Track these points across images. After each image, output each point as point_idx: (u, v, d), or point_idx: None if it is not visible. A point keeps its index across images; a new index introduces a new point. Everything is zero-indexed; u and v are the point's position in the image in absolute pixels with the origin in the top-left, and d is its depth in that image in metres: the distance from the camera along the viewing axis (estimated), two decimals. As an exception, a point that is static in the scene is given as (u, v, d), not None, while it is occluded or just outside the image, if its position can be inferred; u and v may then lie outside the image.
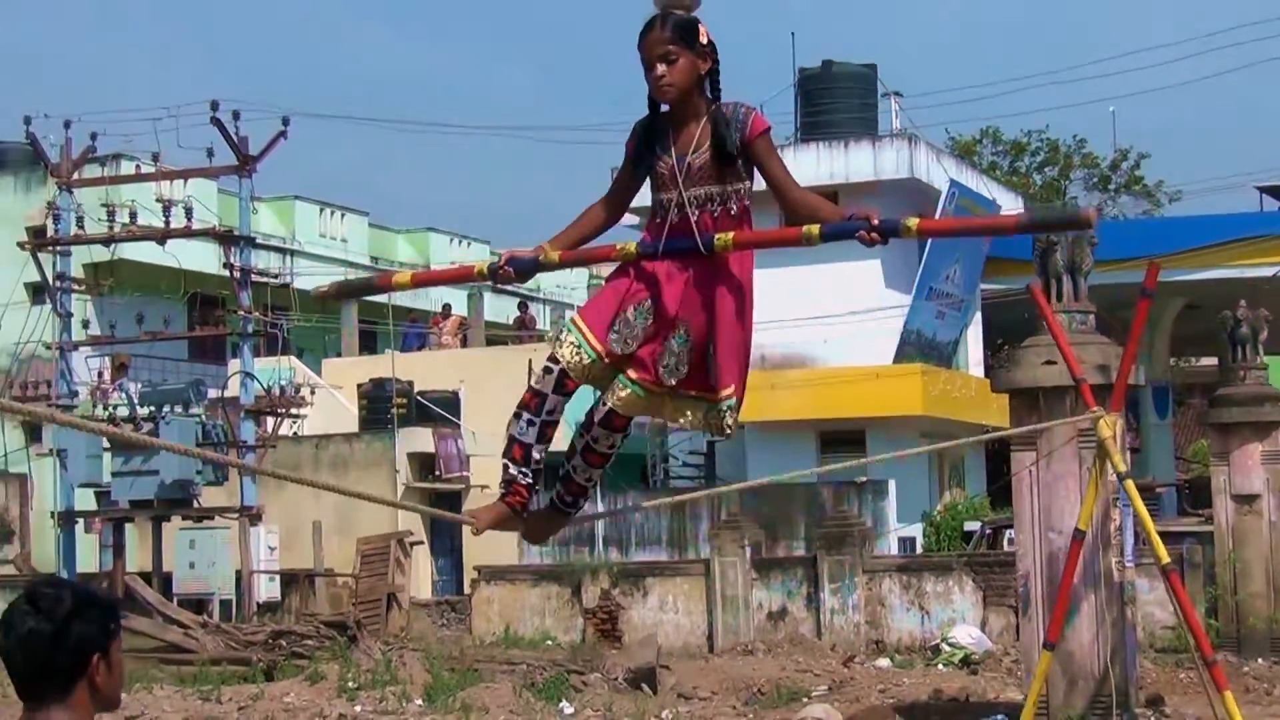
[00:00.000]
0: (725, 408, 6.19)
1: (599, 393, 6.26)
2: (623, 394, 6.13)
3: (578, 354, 6.09)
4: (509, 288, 57.24)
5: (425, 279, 6.47)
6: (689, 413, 6.23)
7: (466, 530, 32.83)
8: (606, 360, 6.10)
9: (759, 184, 6.12)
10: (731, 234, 5.98)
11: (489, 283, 6.35)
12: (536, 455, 6.23)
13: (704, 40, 6.08)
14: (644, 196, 6.21)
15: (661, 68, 6.03)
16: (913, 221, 5.66)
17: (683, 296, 6.07)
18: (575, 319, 6.18)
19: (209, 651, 26.60)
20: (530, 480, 6.26)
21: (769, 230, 6.16)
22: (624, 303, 6.12)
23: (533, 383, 6.19)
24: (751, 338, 6.25)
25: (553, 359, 6.14)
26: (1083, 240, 17.14)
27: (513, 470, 6.26)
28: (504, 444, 6.31)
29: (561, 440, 6.33)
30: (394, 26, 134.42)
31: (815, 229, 5.76)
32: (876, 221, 5.62)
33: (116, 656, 4.17)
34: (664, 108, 6.19)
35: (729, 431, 6.30)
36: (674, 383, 6.12)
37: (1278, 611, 25.18)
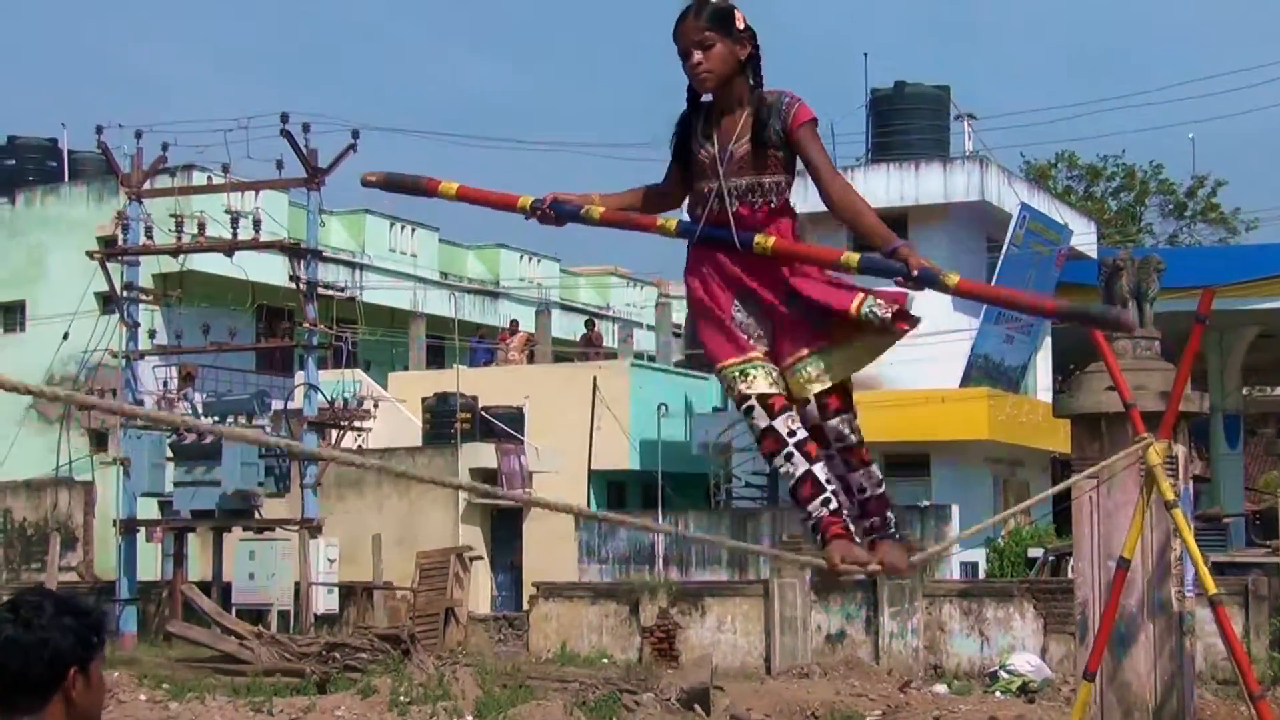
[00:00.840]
0: (867, 312, 5.75)
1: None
2: (805, 375, 5.90)
3: (748, 376, 5.89)
4: (577, 305, 57.31)
5: (471, 194, 6.26)
6: (838, 361, 5.91)
7: (526, 546, 32.95)
8: (763, 360, 5.90)
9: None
10: (772, 240, 5.79)
11: (527, 216, 6.14)
12: (822, 477, 5.88)
13: (741, 26, 5.93)
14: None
15: (698, 55, 5.88)
16: (953, 279, 5.49)
17: (753, 273, 5.90)
18: (720, 364, 5.95)
19: (263, 662, 26.58)
20: (834, 506, 5.88)
21: (809, 246, 5.93)
22: (728, 311, 5.95)
23: (756, 433, 5.91)
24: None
25: (741, 399, 5.90)
26: (1149, 266, 16.91)
27: (813, 509, 5.89)
28: (792, 503, 5.99)
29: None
30: (472, 45, 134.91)
31: (854, 259, 5.59)
32: (915, 270, 5.44)
33: (97, 673, 4.03)
34: (705, 97, 6.03)
35: (894, 316, 5.80)
36: (805, 351, 5.89)
37: (1343, 645, 24.82)
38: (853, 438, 6.00)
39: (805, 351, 5.90)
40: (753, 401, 5.87)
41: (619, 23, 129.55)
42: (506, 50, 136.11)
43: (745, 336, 5.93)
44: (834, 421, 5.96)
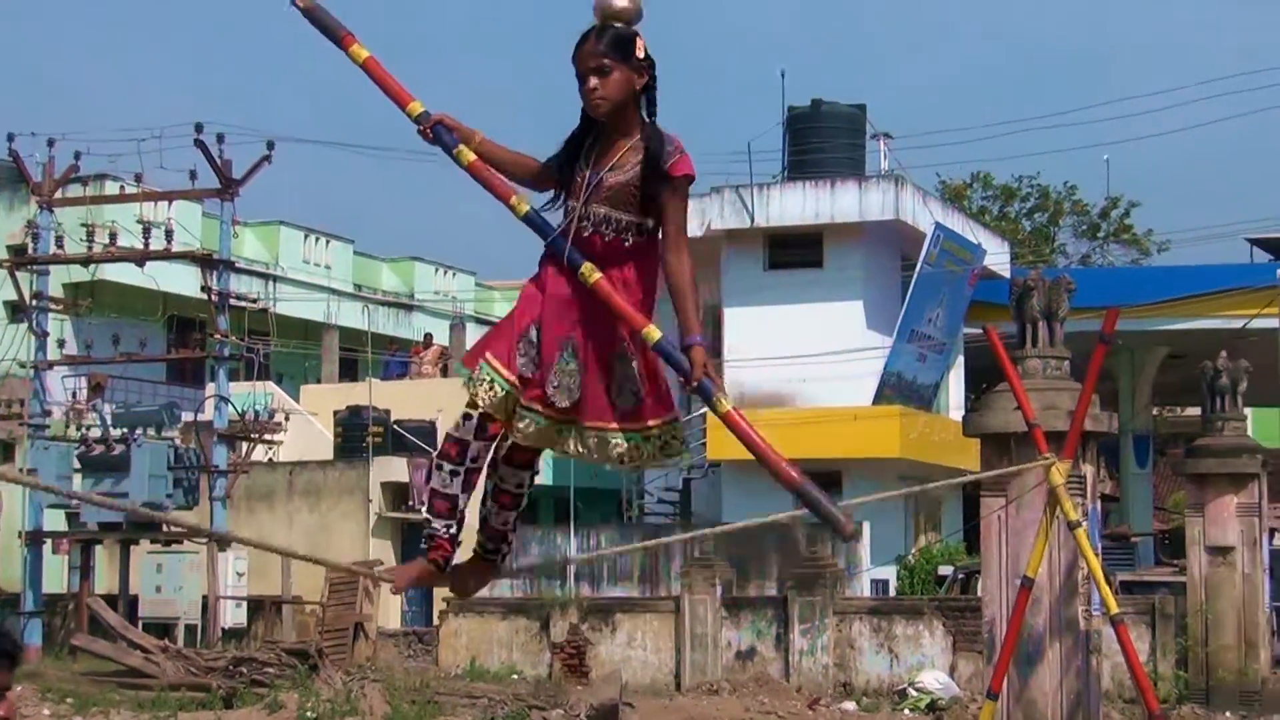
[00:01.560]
0: (659, 436, 5.93)
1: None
2: (520, 424, 5.90)
3: (491, 390, 5.87)
4: (491, 318, 57.14)
5: (374, 70, 6.20)
6: (592, 447, 5.92)
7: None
8: (520, 387, 5.87)
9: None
10: (596, 277, 5.76)
11: (412, 120, 6.05)
12: (462, 505, 6.05)
13: (640, 55, 5.88)
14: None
15: (594, 80, 5.84)
16: (724, 406, 5.62)
17: (576, 314, 5.85)
18: (485, 356, 5.93)
19: (169, 677, 26.34)
20: (454, 532, 6.08)
21: (620, 300, 5.79)
22: (527, 325, 5.92)
23: (452, 431, 5.99)
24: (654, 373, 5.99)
25: (470, 404, 5.91)
26: (1060, 286, 16.99)
27: (436, 525, 6.07)
28: (426, 499, 6.11)
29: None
30: (385, 55, 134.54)
31: (655, 335, 5.65)
32: (695, 380, 5.59)
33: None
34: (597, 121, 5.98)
35: (656, 460, 6.04)
36: (566, 405, 5.86)
37: (1248, 664, 25.00)
38: (517, 491, 6.19)
39: (539, 402, 5.88)
40: (475, 415, 5.93)
41: (540, 35, 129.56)
42: (421, 59, 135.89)
43: (520, 354, 5.88)
44: (513, 470, 6.14)
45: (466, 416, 5.93)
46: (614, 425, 5.89)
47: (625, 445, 5.91)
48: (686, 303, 5.80)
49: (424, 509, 6.12)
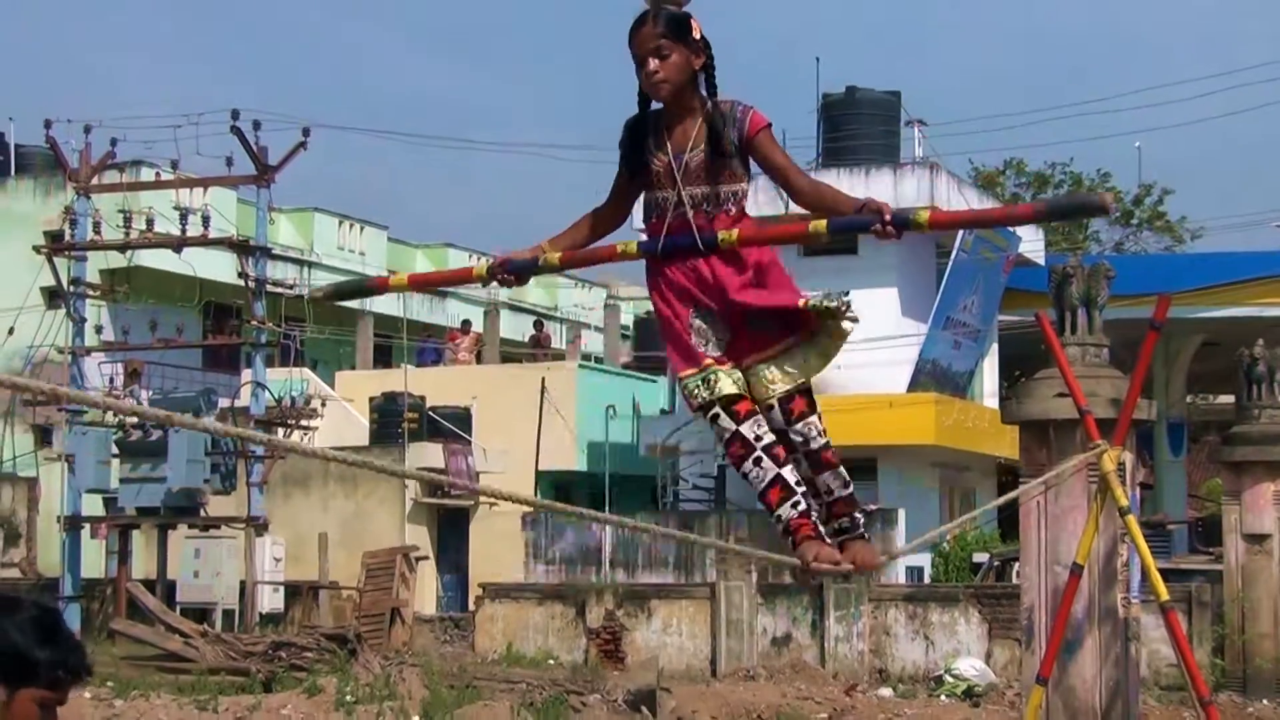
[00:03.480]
0: (815, 305, 5.88)
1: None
2: (764, 377, 5.94)
3: (708, 383, 5.89)
4: (525, 305, 57.27)
5: (422, 280, 6.27)
6: (795, 365, 5.97)
7: (473, 546, 32.82)
8: (726, 367, 5.91)
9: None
10: (735, 231, 5.82)
11: (484, 284, 6.16)
12: (790, 480, 5.92)
13: (697, 35, 5.91)
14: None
15: (654, 63, 5.85)
16: (924, 214, 5.51)
17: (719, 287, 5.89)
18: (681, 374, 5.97)
19: (208, 661, 26.47)
20: (803, 506, 5.94)
21: (774, 226, 5.95)
22: (686, 323, 5.95)
23: (723, 441, 5.95)
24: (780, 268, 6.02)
25: (704, 409, 5.92)
26: (1099, 273, 16.99)
27: (782, 512, 5.93)
28: (764, 507, 6.01)
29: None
30: (421, 44, 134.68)
31: (823, 224, 5.58)
32: (889, 216, 5.45)
33: (19, 708, 3.44)
34: (655, 105, 6.02)
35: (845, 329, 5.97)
36: (767, 349, 5.94)
37: (1284, 652, 24.98)
38: (819, 440, 6.05)
39: (763, 355, 5.94)
40: (717, 409, 5.89)
41: (570, 25, 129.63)
42: (458, 49, 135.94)
43: (702, 346, 5.92)
44: (799, 425, 6.01)
45: (715, 418, 5.90)
46: (772, 351, 5.97)
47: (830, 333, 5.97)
48: (839, 197, 5.79)
49: (771, 518, 6.00)
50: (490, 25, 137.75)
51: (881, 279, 36.95)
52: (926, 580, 33.67)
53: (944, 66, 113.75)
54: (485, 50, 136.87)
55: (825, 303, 5.85)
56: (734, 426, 5.88)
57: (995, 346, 40.82)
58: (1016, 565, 26.13)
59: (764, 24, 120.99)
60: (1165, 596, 13.15)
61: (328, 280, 45.28)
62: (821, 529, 5.99)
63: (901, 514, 32.65)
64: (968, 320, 38.29)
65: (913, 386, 36.35)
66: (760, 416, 5.92)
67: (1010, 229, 39.80)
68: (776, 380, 5.93)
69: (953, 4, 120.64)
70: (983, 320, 39.00)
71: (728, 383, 5.89)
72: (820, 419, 6.09)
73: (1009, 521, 31.21)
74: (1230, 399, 38.17)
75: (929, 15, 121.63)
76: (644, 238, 6.10)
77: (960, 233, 36.45)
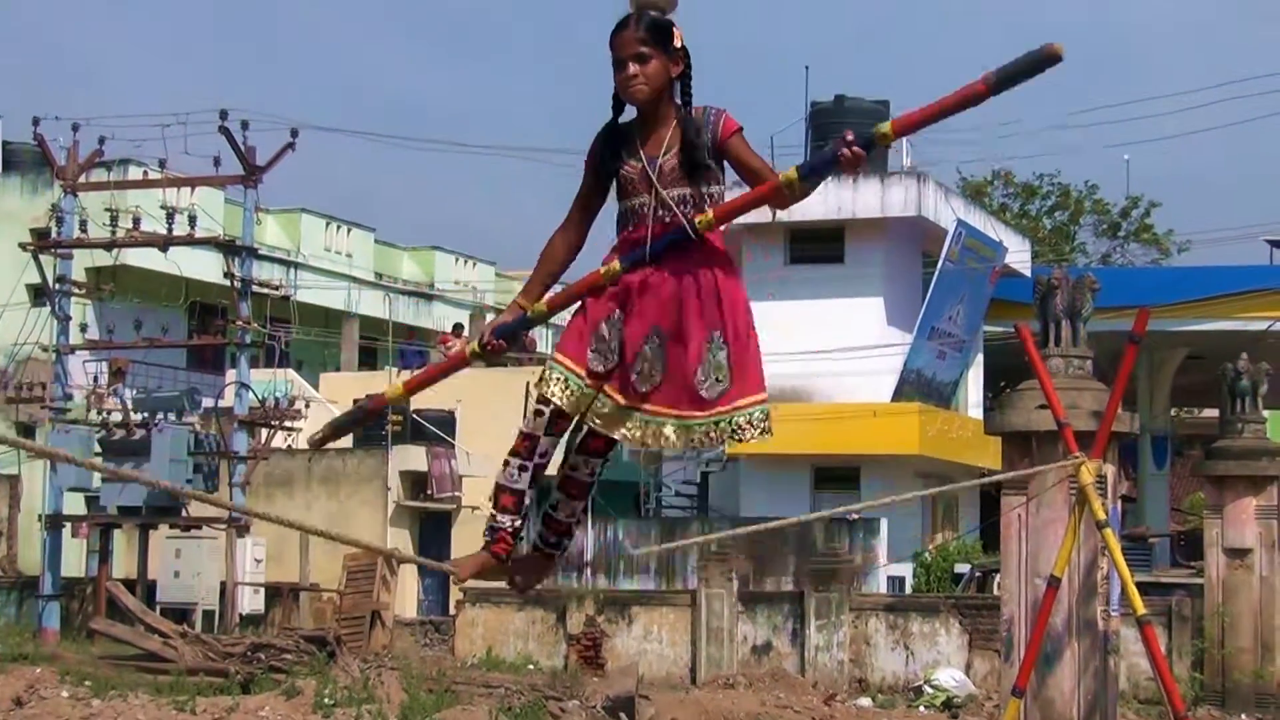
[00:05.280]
0: (742, 420, 5.93)
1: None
2: (603, 411, 5.92)
3: (566, 387, 5.89)
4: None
5: (417, 382, 6.29)
6: (670, 433, 5.93)
7: (454, 550, 32.74)
8: (590, 383, 5.90)
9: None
10: (709, 213, 5.81)
11: (481, 361, 6.17)
12: (527, 501, 6.08)
13: (678, 44, 5.92)
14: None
15: (633, 66, 5.86)
16: (886, 126, 5.47)
17: (660, 303, 5.87)
18: (555, 356, 5.97)
19: (187, 661, 26.39)
20: (518, 525, 6.09)
21: (745, 193, 5.91)
22: (597, 321, 5.93)
23: (523, 427, 6.00)
24: (757, 344, 6.04)
25: (542, 400, 5.94)
26: (1084, 285, 16.99)
27: (501, 519, 6.08)
28: (491, 493, 6.13)
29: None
30: (409, 45, 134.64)
31: (792, 172, 5.57)
32: (850, 137, 5.43)
33: None
34: (629, 112, 6.02)
35: (737, 440, 5.99)
36: (646, 390, 5.87)
37: (1263, 667, 25.00)
38: (588, 479, 6.23)
39: (619, 391, 5.91)
40: (546, 410, 5.93)
41: (561, 28, 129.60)
42: (446, 51, 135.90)
43: (592, 351, 5.91)
44: (587, 458, 6.18)
45: (538, 413, 5.95)
46: (698, 413, 5.92)
47: (701, 430, 5.94)
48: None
49: (489, 503, 6.14)
50: (479, 27, 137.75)
51: (867, 288, 36.98)
52: (908, 590, 33.69)
53: (932, 76, 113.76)
54: (474, 52, 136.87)
55: (745, 428, 5.95)
56: (539, 433, 5.97)
57: (980, 357, 40.84)
58: (998, 576, 26.20)
59: (753, 32, 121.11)
60: (1142, 611, 13.16)
61: (314, 281, 45.40)
62: (511, 554, 6.16)
63: (884, 524, 32.66)
64: (953, 330, 38.30)
65: (897, 396, 36.35)
66: (559, 439, 6.04)
67: (997, 239, 39.90)
68: (657, 438, 5.94)
69: (941, 14, 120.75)
70: (968, 331, 39.02)
71: (572, 397, 5.91)
72: (605, 466, 6.24)
73: (991, 532, 31.23)
74: (1214, 413, 38.25)
75: (918, 25, 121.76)
76: (607, 255, 6.03)
77: (946, 242, 36.43)
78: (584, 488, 6.25)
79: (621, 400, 5.91)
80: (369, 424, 6.27)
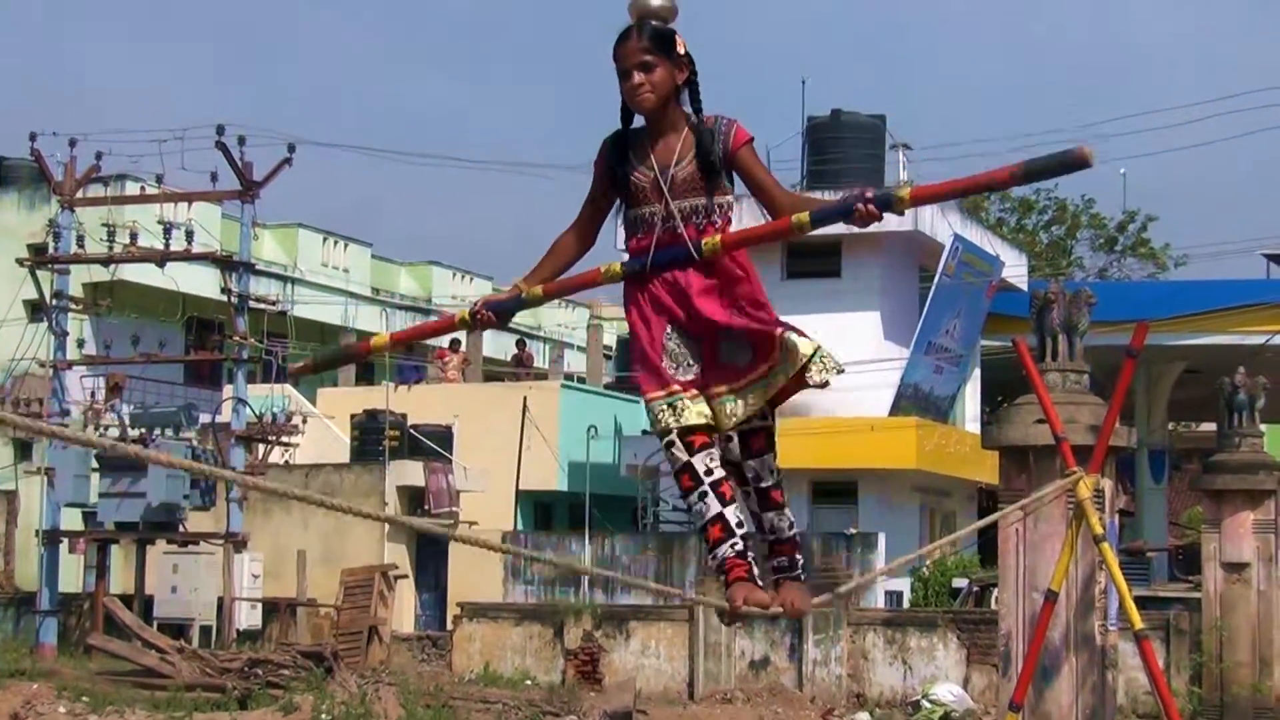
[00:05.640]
0: (790, 341, 5.86)
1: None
2: (727, 410, 5.92)
3: (675, 410, 5.88)
4: (509, 325, 57.24)
5: (405, 336, 6.25)
6: (756, 395, 5.93)
7: (452, 565, 32.60)
8: (692, 394, 5.89)
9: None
10: (718, 236, 5.83)
11: (467, 330, 6.15)
12: (731, 519, 5.93)
13: (681, 51, 5.95)
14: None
15: (638, 75, 5.89)
16: (905, 191, 5.49)
17: (696, 303, 5.89)
18: (647, 397, 5.94)
19: (184, 677, 26.39)
20: (740, 547, 5.95)
21: (757, 226, 5.95)
22: (658, 343, 5.94)
23: (674, 469, 5.93)
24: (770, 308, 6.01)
25: (664, 433, 5.91)
26: (1080, 300, 16.99)
27: (722, 550, 5.95)
28: (702, 540, 6.04)
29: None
30: (406, 60, 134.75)
31: (805, 216, 5.57)
32: (870, 194, 5.45)
33: None
34: (637, 122, 6.04)
35: (826, 376, 5.87)
36: (736, 379, 5.92)
37: (1262, 681, 24.96)
38: (770, 479, 6.09)
39: (733, 386, 5.93)
40: (674, 437, 5.89)
41: (559, 42, 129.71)
42: (443, 66, 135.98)
43: (671, 369, 5.92)
44: (754, 461, 6.07)
45: (670, 445, 5.89)
46: (762, 367, 5.93)
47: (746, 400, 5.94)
48: (815, 201, 5.85)
49: (707, 554, 6.02)
50: (477, 42, 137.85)
51: (864, 302, 36.97)
52: (905, 605, 33.65)
53: (930, 91, 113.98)
54: (471, 67, 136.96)
55: (816, 358, 5.84)
56: (686, 458, 5.89)
57: (977, 371, 40.84)
58: (995, 591, 26.18)
59: (750, 46, 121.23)
60: (1139, 625, 13.16)
61: (310, 295, 45.40)
62: (755, 571, 6.00)
63: (882, 538, 32.65)
64: (950, 345, 38.29)
65: (894, 410, 36.33)
66: (714, 450, 5.94)
67: (993, 254, 39.92)
68: (738, 413, 5.93)
69: (939, 28, 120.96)
70: (965, 345, 39.01)
71: (693, 413, 5.89)
72: (776, 458, 6.11)
73: (989, 547, 31.21)
74: (1212, 427, 38.24)
75: (915, 39, 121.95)
76: (625, 257, 6.08)
77: (944, 255, 36.44)
78: (778, 490, 6.14)
79: (726, 391, 5.91)
80: (349, 364, 6.44)
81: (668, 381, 5.91)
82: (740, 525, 5.94)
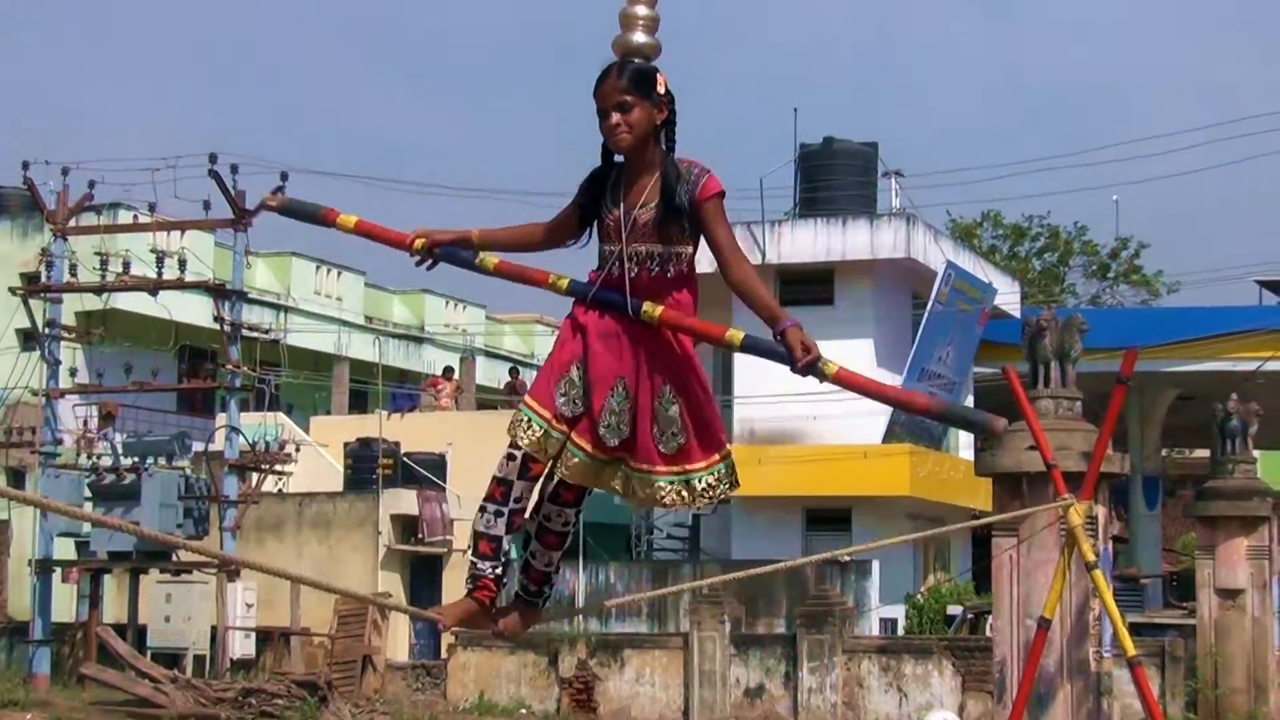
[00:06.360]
0: (700, 479, 5.97)
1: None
2: (571, 461, 5.95)
3: (530, 429, 5.93)
4: (501, 352, 57.26)
5: (366, 228, 6.30)
6: (636, 488, 6.00)
7: (445, 593, 32.67)
8: (558, 427, 5.93)
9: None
10: (659, 310, 5.84)
11: (416, 257, 6.16)
12: (506, 546, 6.08)
13: (661, 90, 5.94)
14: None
15: (616, 115, 5.88)
16: (831, 368, 5.63)
17: (621, 353, 5.90)
18: (526, 398, 6.02)
19: (178, 707, 26.34)
20: (500, 572, 6.11)
21: (694, 320, 5.98)
22: (566, 364, 5.96)
23: (496, 473, 6.02)
24: (711, 400, 6.07)
25: (513, 445, 5.97)
26: (1072, 327, 17.02)
27: (481, 566, 6.10)
28: (470, 541, 6.16)
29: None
30: (398, 88, 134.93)
31: (739, 338, 5.72)
32: (800, 362, 5.60)
33: None
34: (617, 159, 6.03)
35: (704, 503, 6.05)
36: (615, 444, 5.92)
37: (1257, 708, 24.95)
38: (563, 530, 6.23)
39: (590, 442, 5.96)
40: (517, 454, 5.97)
41: (548, 72, 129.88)
42: (435, 94, 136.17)
43: (559, 394, 5.94)
44: (559, 508, 6.17)
45: (510, 457, 5.98)
46: (660, 468, 5.96)
47: (668, 488, 5.98)
48: (762, 297, 5.88)
49: (468, 550, 6.17)
50: (469, 71, 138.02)
51: (857, 330, 36.96)
52: (900, 632, 33.62)
53: (922, 118, 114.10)
54: (463, 96, 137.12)
55: (713, 482, 5.99)
56: (512, 477, 6.00)
57: (971, 398, 40.83)
58: (990, 618, 26.15)
59: (742, 74, 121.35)
60: (1132, 651, 13.15)
61: (304, 324, 45.38)
62: (497, 603, 6.19)
63: (875, 566, 32.65)
64: (943, 372, 38.28)
65: (887, 438, 36.32)
66: (535, 485, 6.05)
67: (986, 281, 39.94)
68: (624, 487, 6.03)
69: (931, 57, 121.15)
70: (958, 372, 39.01)
71: (543, 441, 5.94)
72: (577, 518, 6.25)
73: (983, 574, 31.19)
74: (1205, 453, 38.24)
75: (907, 67, 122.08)
76: (585, 277, 6.10)
77: (935, 283, 36.46)
78: (559, 538, 6.25)
79: (590, 450, 5.95)
80: (313, 222, 6.50)
81: (553, 406, 5.94)
82: (507, 555, 6.11)
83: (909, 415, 36.89)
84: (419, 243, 6.11)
